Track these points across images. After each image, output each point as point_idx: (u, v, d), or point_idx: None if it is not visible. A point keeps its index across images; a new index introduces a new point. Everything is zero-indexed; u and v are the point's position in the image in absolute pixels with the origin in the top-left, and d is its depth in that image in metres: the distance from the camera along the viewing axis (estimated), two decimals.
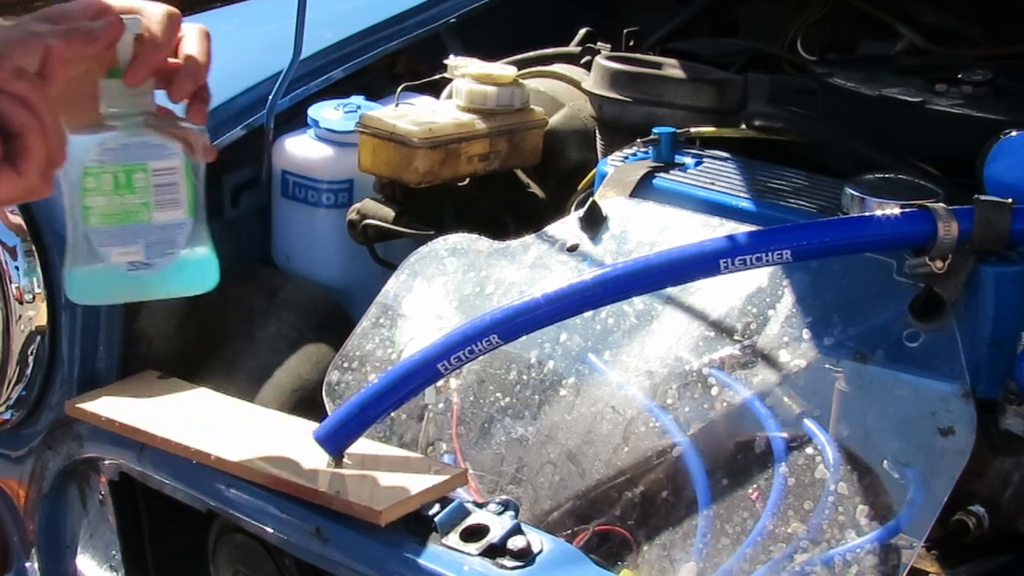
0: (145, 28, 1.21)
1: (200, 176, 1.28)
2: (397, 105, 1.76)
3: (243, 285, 1.75)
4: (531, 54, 1.92)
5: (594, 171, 1.59)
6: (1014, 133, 1.36)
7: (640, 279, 1.26)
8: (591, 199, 1.49)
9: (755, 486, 1.23)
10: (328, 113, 1.79)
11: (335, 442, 1.32)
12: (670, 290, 1.37)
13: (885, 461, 1.19)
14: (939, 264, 1.22)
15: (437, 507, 1.26)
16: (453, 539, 1.23)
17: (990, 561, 1.26)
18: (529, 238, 1.50)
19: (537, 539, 1.22)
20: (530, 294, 1.28)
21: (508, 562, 1.20)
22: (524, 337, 1.33)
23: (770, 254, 1.22)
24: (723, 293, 1.35)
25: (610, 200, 1.49)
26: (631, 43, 1.91)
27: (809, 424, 1.23)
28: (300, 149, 1.79)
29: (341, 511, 1.27)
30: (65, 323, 1.61)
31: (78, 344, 1.61)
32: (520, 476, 1.35)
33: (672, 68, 1.71)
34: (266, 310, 1.70)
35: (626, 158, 1.56)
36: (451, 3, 2.07)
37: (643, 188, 1.50)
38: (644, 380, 1.33)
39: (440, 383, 1.41)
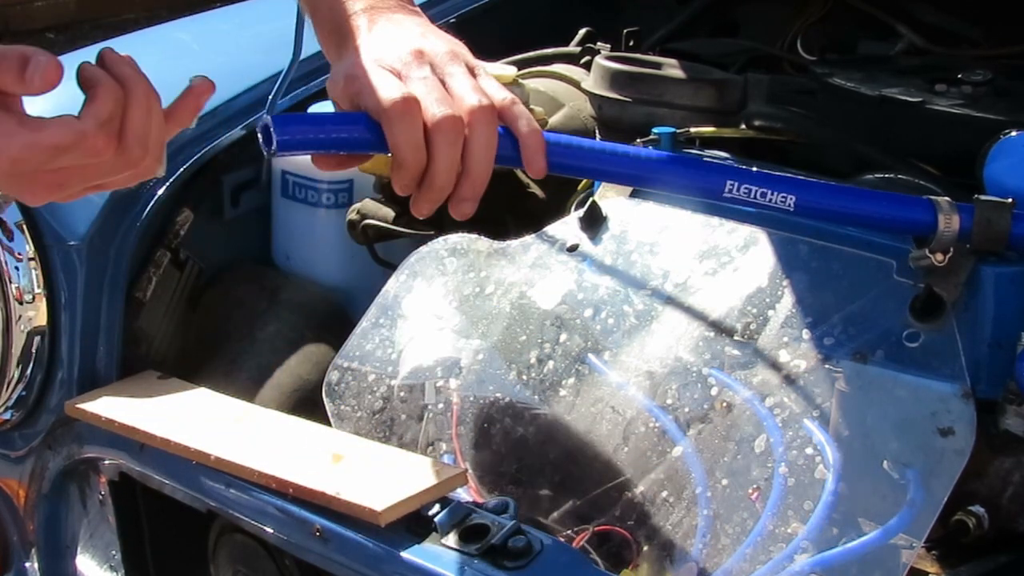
0: None
1: None
2: None
3: (243, 285, 1.75)
4: (531, 54, 1.92)
5: None
6: (1014, 133, 1.36)
7: (642, 170, 1.26)
8: (591, 199, 1.49)
9: (755, 486, 1.22)
10: None
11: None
12: (670, 290, 1.37)
13: (885, 461, 1.18)
14: (939, 257, 1.22)
15: (437, 507, 1.25)
16: (453, 539, 1.23)
17: (990, 561, 1.25)
18: (529, 238, 1.50)
19: (537, 539, 1.22)
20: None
21: (508, 562, 1.20)
22: (524, 337, 1.32)
23: (775, 194, 1.22)
24: (723, 293, 1.35)
25: (610, 200, 1.49)
26: (631, 43, 1.90)
27: (809, 424, 1.23)
28: None
29: (341, 511, 1.27)
30: (65, 323, 1.61)
31: (78, 344, 1.61)
32: (520, 476, 1.34)
33: (672, 68, 1.71)
34: (266, 310, 1.70)
35: None
36: (451, 3, 2.06)
37: None
38: (644, 380, 1.33)
39: (440, 383, 1.41)
